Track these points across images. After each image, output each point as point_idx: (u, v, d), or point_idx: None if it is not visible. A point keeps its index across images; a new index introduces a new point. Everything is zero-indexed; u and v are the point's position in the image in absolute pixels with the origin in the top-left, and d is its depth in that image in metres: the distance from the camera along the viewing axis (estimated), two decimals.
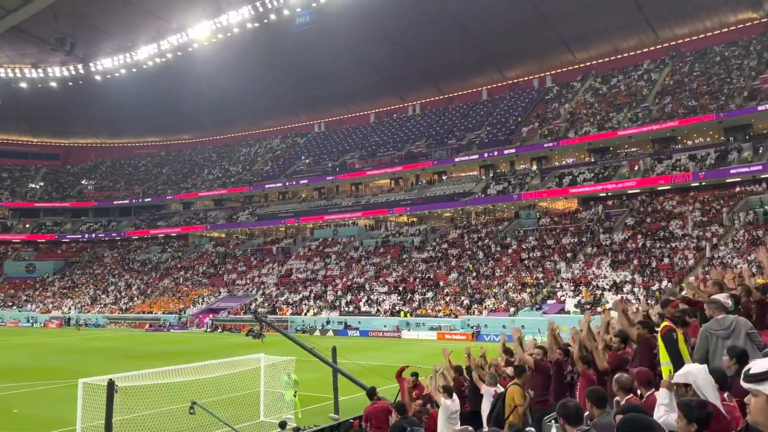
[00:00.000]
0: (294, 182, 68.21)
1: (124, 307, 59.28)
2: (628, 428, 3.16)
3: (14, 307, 64.08)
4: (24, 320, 59.82)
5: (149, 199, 78.14)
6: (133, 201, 78.76)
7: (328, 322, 45.42)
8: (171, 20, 65.87)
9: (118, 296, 62.49)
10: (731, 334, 5.49)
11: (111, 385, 11.65)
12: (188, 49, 66.62)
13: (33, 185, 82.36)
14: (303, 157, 73.25)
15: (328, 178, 66.07)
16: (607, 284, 38.09)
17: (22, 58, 75.61)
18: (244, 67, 70.36)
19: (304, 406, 17.34)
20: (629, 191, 47.27)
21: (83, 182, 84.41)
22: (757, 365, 2.83)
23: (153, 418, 13.74)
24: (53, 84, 75.40)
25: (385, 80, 71.90)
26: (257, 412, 16.45)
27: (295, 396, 16.72)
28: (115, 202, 79.65)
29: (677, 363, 5.52)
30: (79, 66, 73.42)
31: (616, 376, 5.37)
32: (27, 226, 78.32)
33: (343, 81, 71.56)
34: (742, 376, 2.89)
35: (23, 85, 75.74)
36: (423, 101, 74.66)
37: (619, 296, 35.80)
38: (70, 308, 61.29)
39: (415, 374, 10.63)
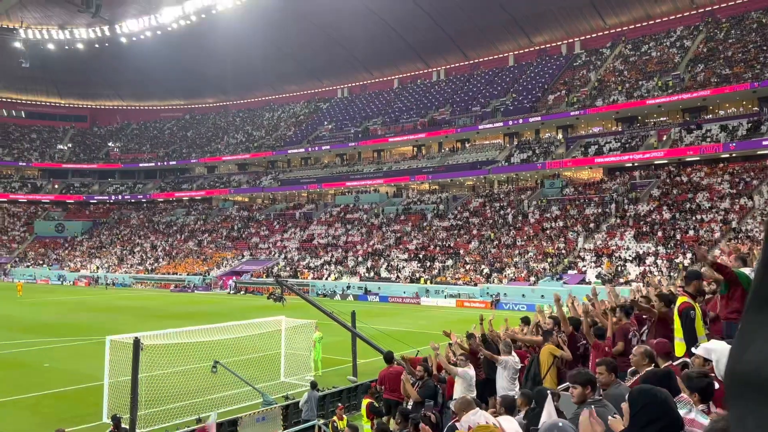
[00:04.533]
0: (317, 148, 68.26)
1: (150, 268, 60.60)
2: (644, 398, 3.19)
3: (44, 266, 65.94)
4: (54, 278, 61.60)
5: (174, 162, 78.98)
6: (158, 164, 79.68)
7: (348, 287, 45.96)
8: None
9: (144, 257, 63.84)
10: None
11: (137, 342, 12.02)
12: (212, 11, 66.22)
13: (61, 146, 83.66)
14: (326, 123, 73.07)
15: (350, 144, 65.93)
16: (630, 256, 37.76)
17: (49, 19, 76.02)
18: (268, 31, 69.84)
19: (324, 367, 17.72)
20: (656, 162, 46.39)
21: (110, 144, 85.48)
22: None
23: (177, 376, 14.18)
24: (80, 46, 75.84)
25: (409, 45, 70.85)
26: (278, 373, 16.87)
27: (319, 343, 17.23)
28: (140, 165, 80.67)
29: (691, 340, 5.51)
30: (105, 28, 73.60)
31: (636, 347, 5.39)
32: (56, 186, 79.92)
33: (367, 46, 70.72)
34: None
35: (51, 46, 76.30)
36: (447, 67, 73.55)
37: (641, 269, 35.53)
38: (98, 268, 62.86)
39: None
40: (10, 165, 79.42)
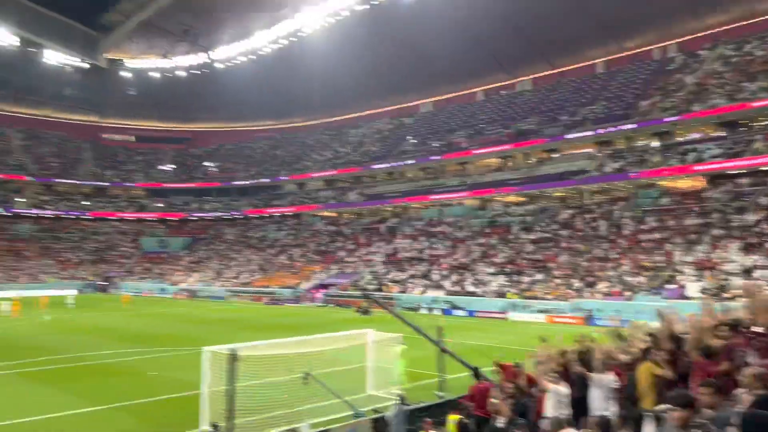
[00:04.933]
0: (401, 162, 68.87)
1: (244, 282, 63.24)
2: (757, 424, 2.98)
3: (149, 279, 70.46)
4: (158, 291, 65.66)
5: (265, 180, 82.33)
6: (251, 182, 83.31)
7: (434, 301, 45.79)
8: (284, 7, 68.31)
9: (239, 271, 66.72)
10: None
11: (233, 354, 12.57)
12: (300, 34, 68.88)
13: (164, 168, 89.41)
14: (410, 138, 73.63)
15: (434, 158, 66.02)
16: (735, 269, 35.18)
17: (152, 49, 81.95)
18: (352, 50, 71.66)
19: (409, 382, 17.73)
20: (764, 168, 43.07)
21: (207, 164, 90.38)
22: None
23: (269, 386, 14.67)
24: (180, 73, 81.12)
25: (493, 57, 70.23)
26: (365, 386, 17.05)
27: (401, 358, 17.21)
28: (234, 183, 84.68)
29: None
30: (203, 55, 78.38)
31: (747, 368, 5.05)
32: (159, 205, 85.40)
33: (450, 59, 70.80)
34: None
35: (155, 75, 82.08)
36: (533, 77, 72.18)
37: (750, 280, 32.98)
38: (196, 281, 66.35)
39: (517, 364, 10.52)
40: (119, 186, 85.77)
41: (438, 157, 65.64)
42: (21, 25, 71.53)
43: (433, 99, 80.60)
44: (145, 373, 20.20)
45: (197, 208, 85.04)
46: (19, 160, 79.58)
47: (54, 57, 75.93)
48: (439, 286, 48.44)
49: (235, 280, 64.43)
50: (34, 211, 76.91)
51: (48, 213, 78.11)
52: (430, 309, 44.50)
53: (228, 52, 75.85)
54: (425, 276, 51.04)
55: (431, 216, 62.56)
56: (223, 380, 12.67)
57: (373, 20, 66.86)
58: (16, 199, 76.23)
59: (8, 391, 17.62)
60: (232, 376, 12.43)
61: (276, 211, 78.43)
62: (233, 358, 12.52)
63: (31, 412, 15.21)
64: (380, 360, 17.51)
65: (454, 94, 78.66)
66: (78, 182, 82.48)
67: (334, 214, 74.45)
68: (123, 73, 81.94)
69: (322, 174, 77.24)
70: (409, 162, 68.21)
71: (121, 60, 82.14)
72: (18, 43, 72.21)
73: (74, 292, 62.80)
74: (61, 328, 34.00)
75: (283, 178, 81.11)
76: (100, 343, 27.46)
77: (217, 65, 78.03)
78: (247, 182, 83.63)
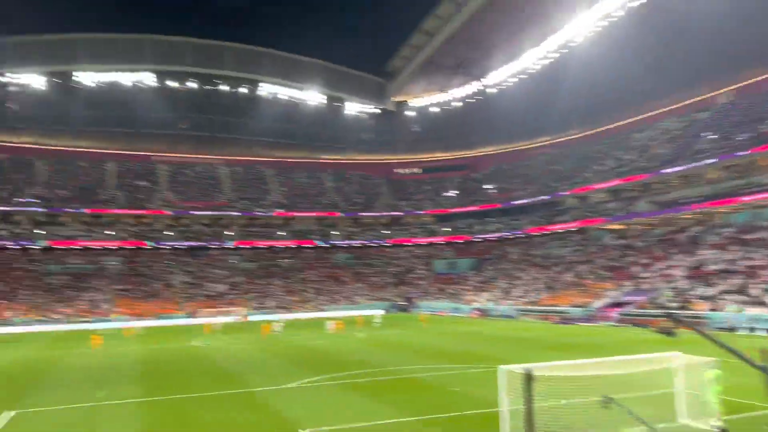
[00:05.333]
0: (698, 163, 61.36)
1: (531, 300, 63.17)
2: None
3: (443, 299, 75.33)
4: (452, 310, 69.73)
5: (545, 197, 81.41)
6: (530, 200, 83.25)
7: (755, 320, 39.30)
8: (552, 19, 67.55)
9: (526, 289, 66.92)
10: None
11: (528, 374, 12.83)
12: (570, 44, 67.16)
13: (448, 194, 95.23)
14: (706, 134, 65.21)
15: (740, 154, 57.23)
16: None
17: (431, 86, 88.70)
18: (627, 50, 67.01)
19: (733, 413, 15.64)
20: None
21: (486, 187, 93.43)
22: None
23: (566, 408, 14.48)
24: (456, 104, 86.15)
25: None
26: (674, 414, 15.61)
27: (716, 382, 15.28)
28: (514, 202, 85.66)
29: None
30: (476, 83, 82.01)
31: None
32: (447, 229, 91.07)
33: (754, 35, 60.91)
34: None
35: (434, 109, 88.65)
36: None
37: None
38: (486, 300, 68.60)
39: None
40: (411, 215, 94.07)
41: (746, 152, 56.74)
42: (326, 84, 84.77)
43: (734, 87, 70.15)
44: (447, 388, 21.67)
45: (481, 229, 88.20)
46: (332, 200, 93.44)
47: (352, 108, 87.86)
48: (761, 303, 41.46)
49: (522, 299, 64.78)
50: (346, 242, 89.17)
51: (357, 243, 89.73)
52: (752, 329, 38.32)
53: (498, 77, 78.01)
54: (741, 291, 44.21)
55: (743, 221, 54.11)
56: (520, 400, 12.97)
57: (650, 14, 61.69)
58: (332, 233, 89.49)
59: (332, 400, 20.66)
60: (528, 396, 12.67)
61: (558, 228, 76.81)
62: (528, 378, 12.76)
63: (353, 419, 17.61)
64: (691, 386, 15.86)
65: (763, 77, 67.20)
66: (377, 214, 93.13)
67: (622, 227, 69.69)
68: (408, 113, 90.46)
69: (605, 185, 73.14)
70: (709, 161, 60.36)
71: (405, 101, 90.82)
72: (325, 101, 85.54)
73: (381, 311, 70.52)
74: (372, 344, 38.56)
75: (563, 193, 79.13)
76: (406, 359, 30.39)
77: (489, 91, 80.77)
78: (527, 200, 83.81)
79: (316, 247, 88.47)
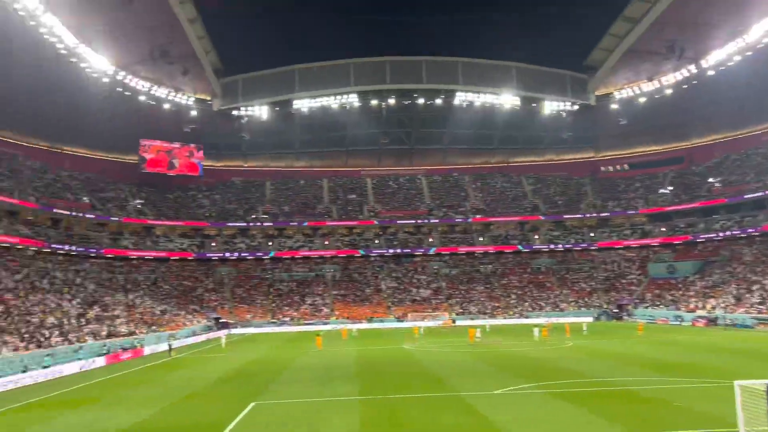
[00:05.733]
0: None
1: None
2: None
3: (661, 306, 68.85)
4: (672, 319, 63.44)
5: None
6: (766, 192, 72.31)
7: None
8: None
9: (765, 296, 58.29)
10: None
11: None
12: None
13: (662, 191, 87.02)
14: None
15: None
16: None
17: (637, 75, 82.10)
18: None
19: None
20: None
21: (709, 180, 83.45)
22: None
23: None
24: (667, 91, 78.51)
25: None
26: None
27: None
28: (746, 196, 75.13)
29: None
30: (691, 67, 73.98)
31: None
32: (662, 229, 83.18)
33: None
34: None
35: (641, 99, 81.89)
36: None
37: None
38: (714, 307, 61.18)
39: None
40: (621, 215, 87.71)
41: None
42: (521, 86, 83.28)
43: None
44: (670, 402, 19.92)
45: (704, 228, 78.94)
46: (532, 203, 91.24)
47: (550, 107, 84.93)
48: None
49: (760, 306, 56.51)
50: (549, 246, 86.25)
51: (560, 246, 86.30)
52: None
53: (717, 57, 69.24)
54: None
55: None
56: (762, 419, 11.52)
57: None
58: (534, 237, 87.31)
59: (541, 409, 20.19)
60: None
61: None
62: None
63: (563, 429, 17.07)
64: None
65: None
66: (582, 216, 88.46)
67: None
68: (612, 106, 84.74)
69: None
70: None
71: (608, 94, 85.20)
72: (520, 103, 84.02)
73: (589, 319, 66.93)
74: (582, 352, 36.80)
75: None
76: (619, 369, 28.52)
77: (708, 73, 72.18)
78: (762, 194, 72.90)
79: (517, 252, 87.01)
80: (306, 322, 72.48)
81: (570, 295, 78.28)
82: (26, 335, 38.49)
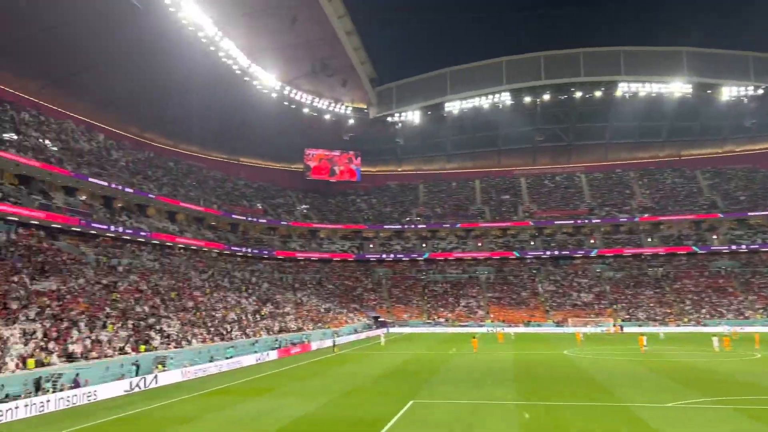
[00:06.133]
0: None
1: None
2: None
3: None
4: None
5: None
6: None
7: None
8: None
9: None
10: None
11: None
12: None
13: None
14: None
15: None
16: None
17: None
18: None
19: None
20: None
21: None
22: None
23: None
24: None
25: None
26: None
27: None
28: None
29: None
30: None
31: None
32: None
33: None
34: None
35: None
36: None
37: None
38: None
39: None
40: None
41: None
42: (694, 72, 75.73)
43: None
44: None
45: None
46: (709, 199, 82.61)
47: (728, 93, 76.37)
48: None
49: None
50: (730, 246, 77.43)
51: (743, 248, 77.08)
52: None
53: None
54: None
55: None
56: None
57: None
58: (712, 237, 79.02)
59: (721, 426, 18.26)
60: None
61: None
62: None
63: None
64: None
65: None
66: None
67: None
68: None
69: None
70: None
71: None
72: (691, 90, 76.49)
73: None
74: None
75: None
76: None
77: None
78: None
79: (692, 254, 79.29)
80: (460, 323, 72.55)
81: (757, 301, 69.68)
82: (211, 328, 43.07)
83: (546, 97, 79.07)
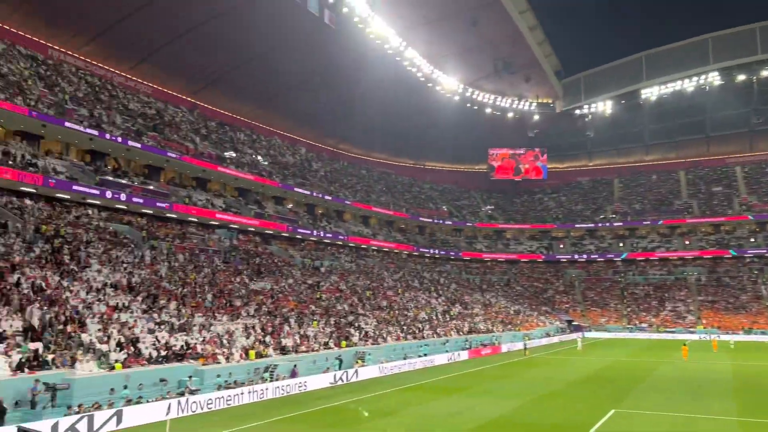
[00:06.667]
0: None
1: None
2: None
3: None
4: None
5: None
6: None
7: None
8: None
9: None
10: None
11: None
12: None
13: None
14: None
15: None
16: None
17: None
18: None
19: None
20: None
21: None
22: None
23: None
24: None
25: None
26: None
27: None
28: None
29: None
30: None
31: None
32: None
33: None
34: None
35: None
36: None
37: None
38: None
39: None
40: None
41: None
42: None
43: None
44: None
45: None
46: None
47: None
48: None
49: None
50: None
51: None
52: None
53: None
54: None
55: None
56: None
57: None
58: None
59: None
60: None
61: None
62: None
63: None
64: None
65: None
66: None
67: None
68: None
69: None
70: None
71: None
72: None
73: None
74: None
75: None
76: None
77: None
78: None
79: None
80: (666, 329, 66.33)
81: None
82: (404, 327, 44.78)
83: (764, 73, 69.21)
